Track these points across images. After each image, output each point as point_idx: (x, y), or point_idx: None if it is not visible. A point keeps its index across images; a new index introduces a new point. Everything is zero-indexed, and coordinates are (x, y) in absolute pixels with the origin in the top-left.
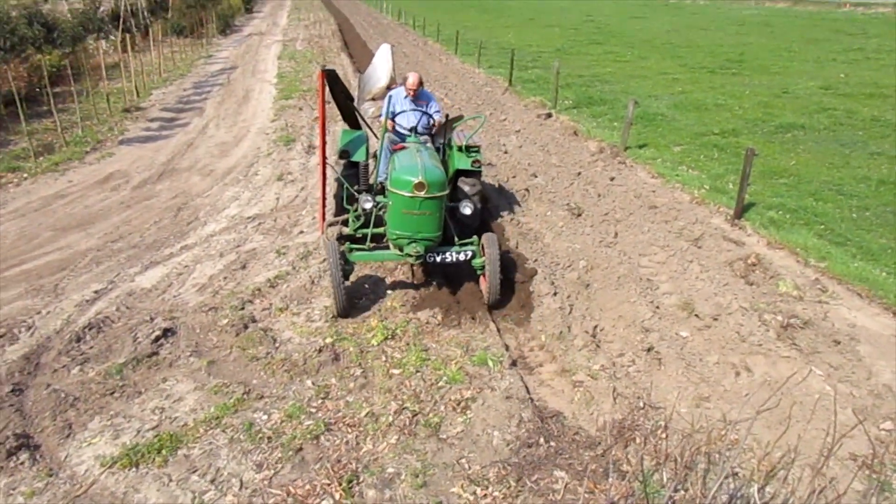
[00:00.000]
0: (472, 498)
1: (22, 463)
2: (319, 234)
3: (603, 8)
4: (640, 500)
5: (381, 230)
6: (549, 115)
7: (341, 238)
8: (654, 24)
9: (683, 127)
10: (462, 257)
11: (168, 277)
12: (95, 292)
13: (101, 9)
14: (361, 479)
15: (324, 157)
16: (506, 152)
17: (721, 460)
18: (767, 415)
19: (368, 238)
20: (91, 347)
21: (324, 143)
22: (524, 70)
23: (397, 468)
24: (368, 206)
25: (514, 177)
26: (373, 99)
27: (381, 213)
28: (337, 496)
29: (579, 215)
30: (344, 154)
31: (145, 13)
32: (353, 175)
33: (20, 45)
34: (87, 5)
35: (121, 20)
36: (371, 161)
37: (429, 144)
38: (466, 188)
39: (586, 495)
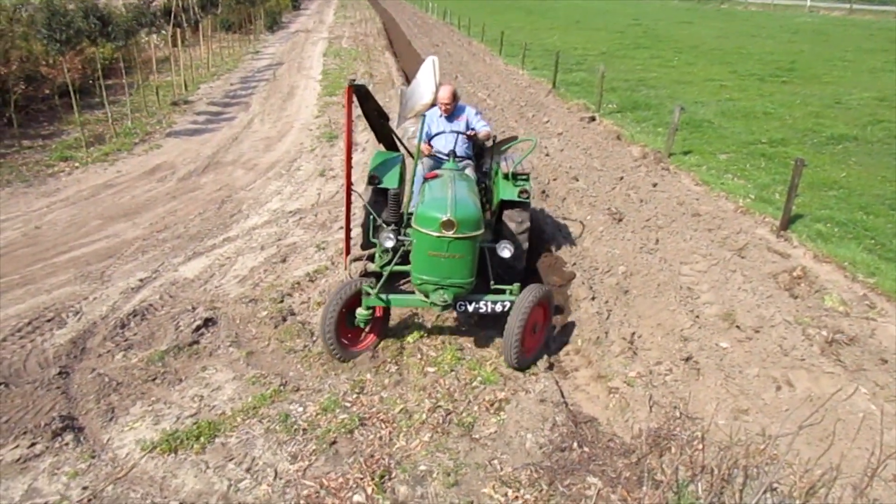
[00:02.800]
0: (503, 499)
1: (66, 444)
2: (344, 269)
3: (650, 12)
4: None
5: (407, 268)
6: (593, 119)
7: (367, 275)
8: (702, 30)
9: (730, 135)
10: (498, 308)
11: (210, 268)
12: (140, 280)
13: (154, 3)
14: (394, 475)
15: (349, 182)
16: (547, 155)
17: (759, 475)
18: (809, 431)
19: (384, 278)
20: (135, 334)
21: (349, 165)
22: (568, 73)
23: (429, 466)
24: (390, 244)
25: (555, 179)
26: (419, 116)
27: (409, 248)
28: (369, 490)
29: (620, 220)
30: (373, 179)
31: (196, 9)
32: (382, 203)
33: (76, 37)
34: (140, 0)
35: (172, 15)
36: (406, 186)
37: (468, 171)
38: (512, 224)
39: (619, 503)
